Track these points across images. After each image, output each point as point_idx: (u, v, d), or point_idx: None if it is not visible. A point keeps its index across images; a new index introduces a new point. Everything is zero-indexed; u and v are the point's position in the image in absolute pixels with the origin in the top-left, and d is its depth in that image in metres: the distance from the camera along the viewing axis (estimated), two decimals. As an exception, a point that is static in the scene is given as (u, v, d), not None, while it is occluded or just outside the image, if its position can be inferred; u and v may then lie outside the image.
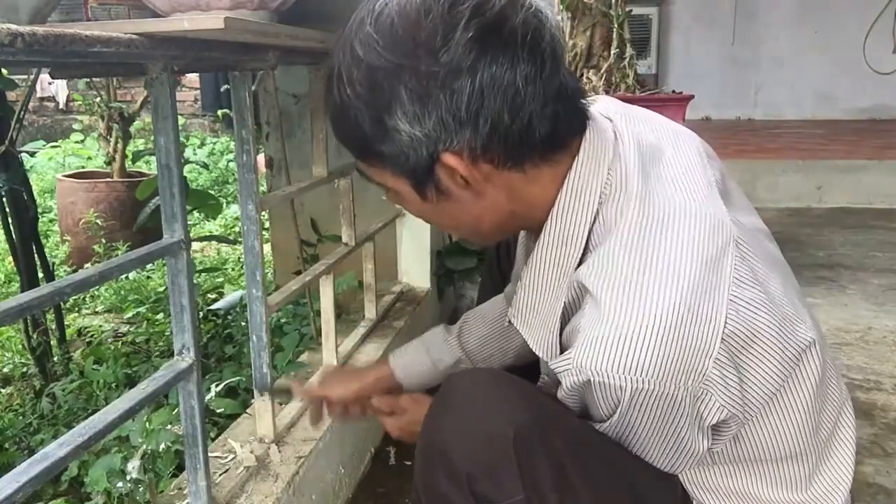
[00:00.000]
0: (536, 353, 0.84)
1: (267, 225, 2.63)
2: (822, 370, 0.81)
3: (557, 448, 0.75)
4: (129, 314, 2.72)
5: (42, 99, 6.97)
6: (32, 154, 5.46)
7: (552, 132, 0.74)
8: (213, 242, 3.63)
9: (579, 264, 0.79)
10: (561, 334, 0.81)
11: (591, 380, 0.70)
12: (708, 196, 0.79)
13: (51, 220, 4.01)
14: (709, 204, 0.78)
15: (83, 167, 5.08)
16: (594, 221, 0.78)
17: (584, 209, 0.78)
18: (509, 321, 0.89)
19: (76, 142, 5.96)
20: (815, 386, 0.80)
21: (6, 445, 1.75)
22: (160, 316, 2.63)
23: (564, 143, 0.77)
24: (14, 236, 2.01)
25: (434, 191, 0.77)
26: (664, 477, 0.82)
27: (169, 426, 1.31)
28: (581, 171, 0.78)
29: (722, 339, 0.69)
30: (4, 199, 1.96)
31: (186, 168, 4.35)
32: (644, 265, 0.71)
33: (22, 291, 1.79)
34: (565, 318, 0.80)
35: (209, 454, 1.06)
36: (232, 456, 1.19)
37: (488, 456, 0.74)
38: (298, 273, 1.66)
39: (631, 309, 0.69)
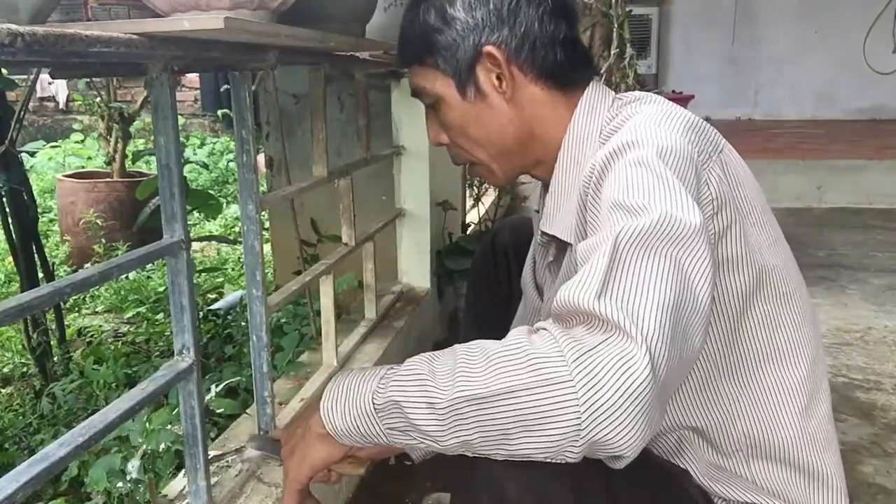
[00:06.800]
0: (569, 241, 0.88)
1: (267, 225, 2.64)
2: (799, 299, 0.86)
3: (608, 472, 0.71)
4: (129, 314, 2.72)
5: (42, 99, 6.97)
6: (32, 154, 5.46)
7: (567, 63, 0.91)
8: (213, 242, 3.64)
9: None
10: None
11: (620, 140, 0.77)
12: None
13: (51, 220, 4.01)
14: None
15: (83, 167, 5.09)
16: (605, 126, 0.91)
17: (596, 119, 0.92)
18: (542, 234, 0.96)
19: (76, 142, 5.98)
20: (791, 293, 0.85)
21: (6, 445, 1.75)
22: (160, 316, 2.63)
23: (575, 82, 0.93)
24: (14, 236, 2.01)
25: (473, 90, 0.91)
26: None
27: (169, 426, 1.32)
28: (590, 99, 0.93)
29: (720, 165, 0.81)
30: (4, 199, 1.97)
31: (186, 168, 4.35)
32: (651, 116, 0.83)
33: (22, 291, 1.78)
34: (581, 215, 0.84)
35: (209, 454, 1.06)
36: (232, 456, 1.19)
37: (541, 482, 0.70)
38: (298, 273, 1.66)
39: (648, 124, 0.81)
